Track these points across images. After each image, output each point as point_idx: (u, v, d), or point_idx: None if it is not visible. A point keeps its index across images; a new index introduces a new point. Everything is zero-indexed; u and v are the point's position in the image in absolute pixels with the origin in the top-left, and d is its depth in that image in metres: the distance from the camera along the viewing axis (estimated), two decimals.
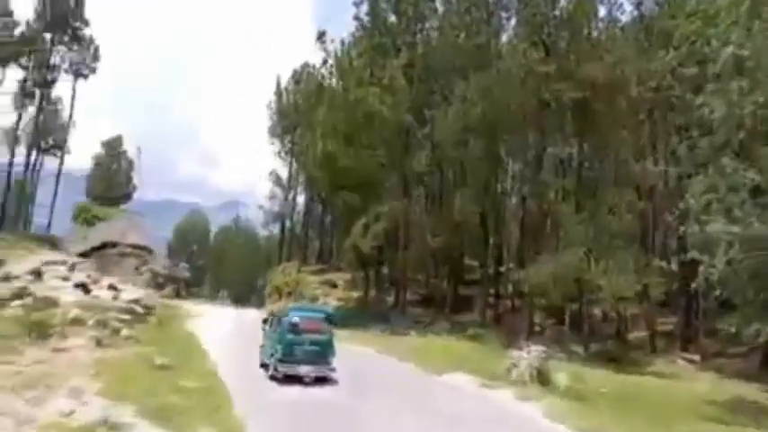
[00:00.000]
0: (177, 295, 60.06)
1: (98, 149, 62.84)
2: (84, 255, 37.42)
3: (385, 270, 37.66)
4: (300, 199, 59.28)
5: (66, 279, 18.73)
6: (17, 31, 45.78)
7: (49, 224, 46.29)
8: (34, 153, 47.91)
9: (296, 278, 44.48)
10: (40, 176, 48.10)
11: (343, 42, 36.67)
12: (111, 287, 18.19)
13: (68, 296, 16.23)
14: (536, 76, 28.75)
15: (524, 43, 30.80)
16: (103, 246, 37.68)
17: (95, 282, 21.57)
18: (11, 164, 44.90)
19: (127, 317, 16.32)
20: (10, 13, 45.40)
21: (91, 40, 51.24)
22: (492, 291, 34.16)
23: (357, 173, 31.27)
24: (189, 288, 78.29)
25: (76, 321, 13.95)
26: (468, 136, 31.83)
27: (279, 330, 13.27)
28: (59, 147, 50.32)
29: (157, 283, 38.46)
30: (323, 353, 13.06)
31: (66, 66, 49.74)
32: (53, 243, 37.12)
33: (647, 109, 31.20)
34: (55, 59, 48.81)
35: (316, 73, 43.85)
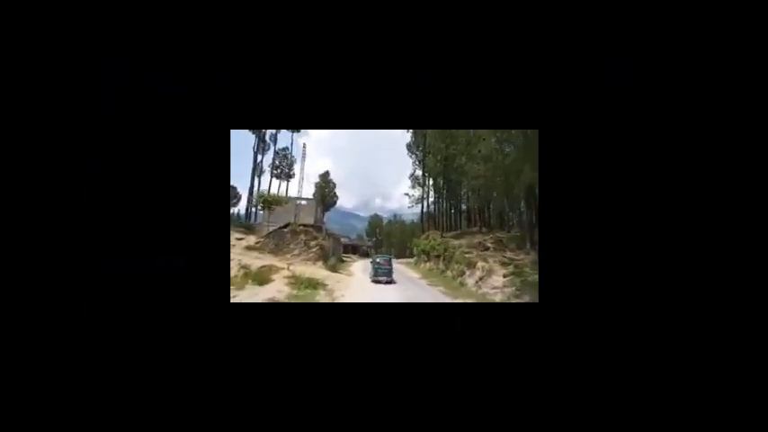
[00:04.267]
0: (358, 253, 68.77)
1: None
2: (268, 236, 47.09)
3: None
4: None
5: None
6: None
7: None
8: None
9: (441, 242, 48.35)
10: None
11: None
12: None
13: None
14: None
15: None
16: (285, 226, 46.77)
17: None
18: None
19: None
20: None
21: None
22: None
23: None
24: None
25: None
26: None
27: (372, 264, 26.56)
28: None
29: (324, 254, 46.26)
30: (389, 273, 24.49)
31: None
32: (251, 228, 47.75)
33: None
34: None
35: None
